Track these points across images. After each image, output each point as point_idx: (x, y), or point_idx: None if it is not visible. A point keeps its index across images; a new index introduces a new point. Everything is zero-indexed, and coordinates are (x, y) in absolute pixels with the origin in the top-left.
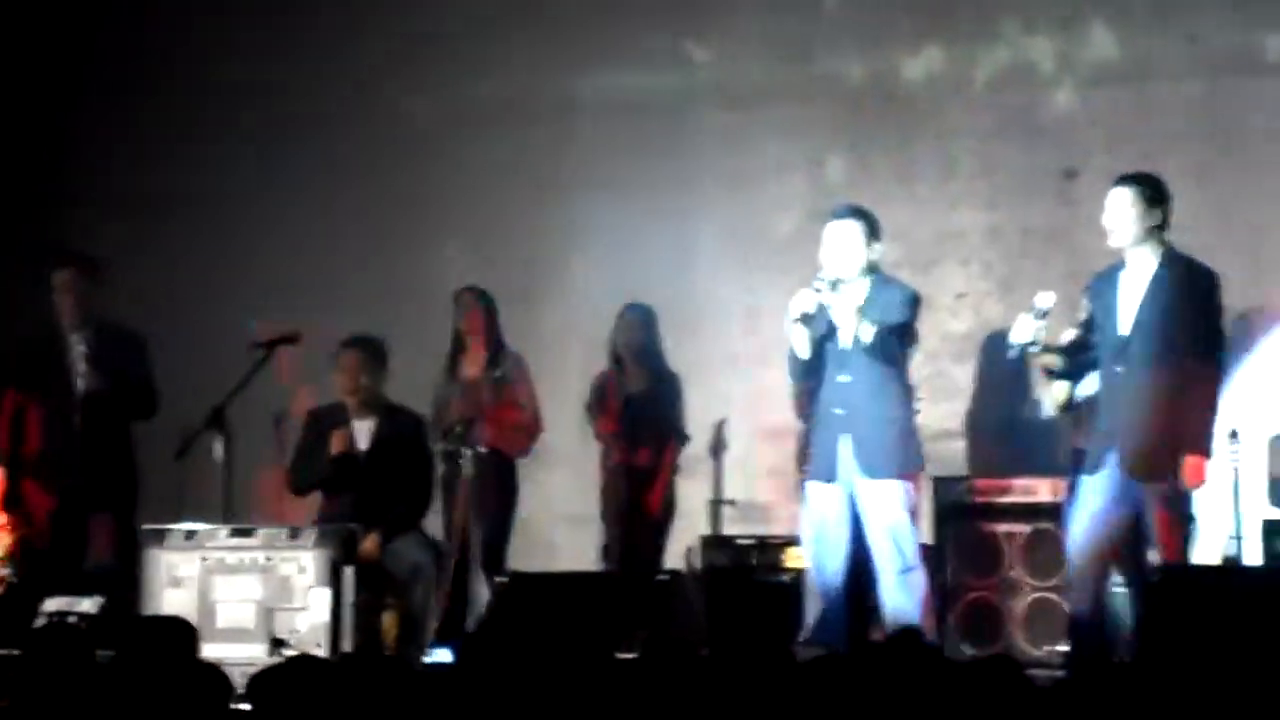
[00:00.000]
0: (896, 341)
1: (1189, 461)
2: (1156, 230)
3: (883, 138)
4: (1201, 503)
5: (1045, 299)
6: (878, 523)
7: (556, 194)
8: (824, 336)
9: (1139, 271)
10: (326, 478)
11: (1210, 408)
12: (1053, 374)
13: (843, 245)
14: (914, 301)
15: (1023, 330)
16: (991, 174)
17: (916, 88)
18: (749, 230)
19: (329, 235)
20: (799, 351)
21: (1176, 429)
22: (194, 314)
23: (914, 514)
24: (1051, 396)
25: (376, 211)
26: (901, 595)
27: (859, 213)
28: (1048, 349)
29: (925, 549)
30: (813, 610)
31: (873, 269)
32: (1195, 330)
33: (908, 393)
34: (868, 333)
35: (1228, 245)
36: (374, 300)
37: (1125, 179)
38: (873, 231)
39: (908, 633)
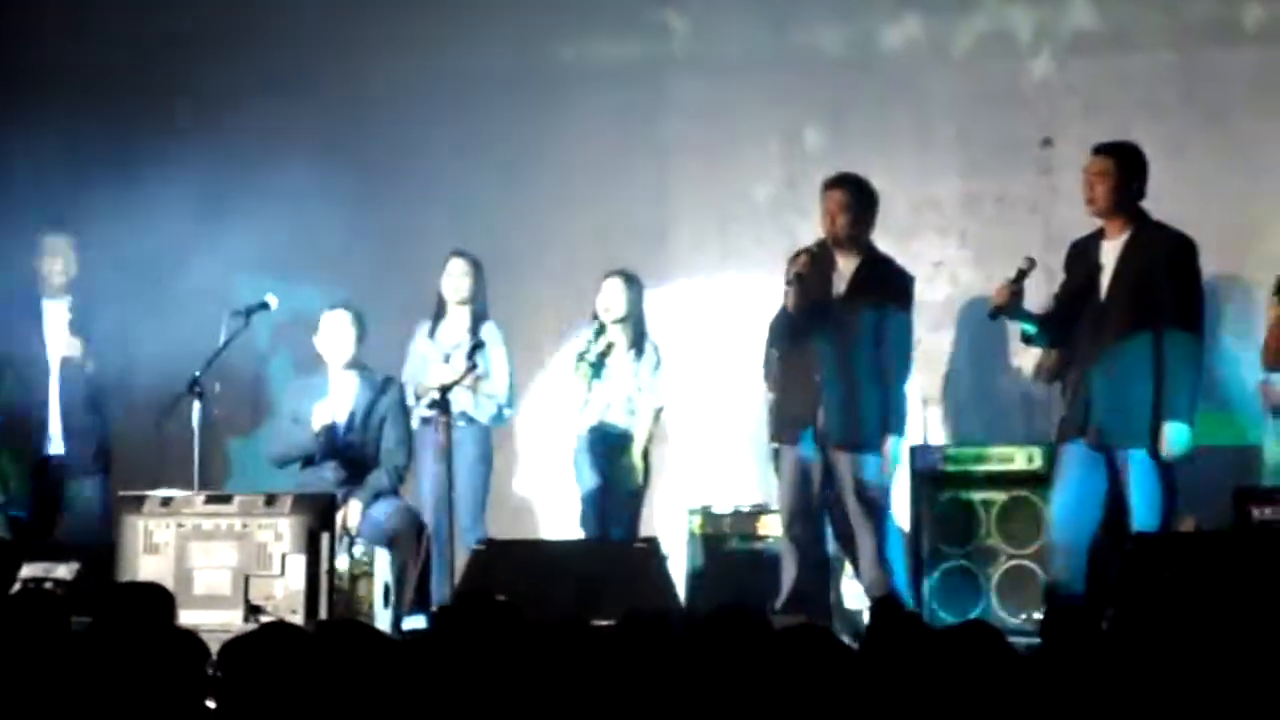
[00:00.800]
0: (891, 325)
1: (1168, 428)
2: (1133, 199)
3: (860, 106)
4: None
5: (1025, 263)
6: (853, 490)
7: (535, 161)
8: (815, 302)
9: (1116, 240)
10: (307, 452)
11: (1190, 375)
12: (1030, 340)
13: (835, 211)
14: (911, 287)
15: (1002, 295)
16: (969, 143)
17: (894, 56)
18: (726, 199)
19: (312, 201)
20: (792, 308)
21: (1155, 396)
22: (173, 279)
23: (890, 481)
24: (1038, 364)
25: (358, 178)
26: (877, 563)
27: (851, 180)
28: (1027, 316)
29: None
30: (788, 578)
31: (865, 236)
32: (1173, 297)
33: (894, 364)
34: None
35: (1205, 214)
36: (356, 267)
37: (1102, 148)
38: (865, 199)
39: (886, 600)
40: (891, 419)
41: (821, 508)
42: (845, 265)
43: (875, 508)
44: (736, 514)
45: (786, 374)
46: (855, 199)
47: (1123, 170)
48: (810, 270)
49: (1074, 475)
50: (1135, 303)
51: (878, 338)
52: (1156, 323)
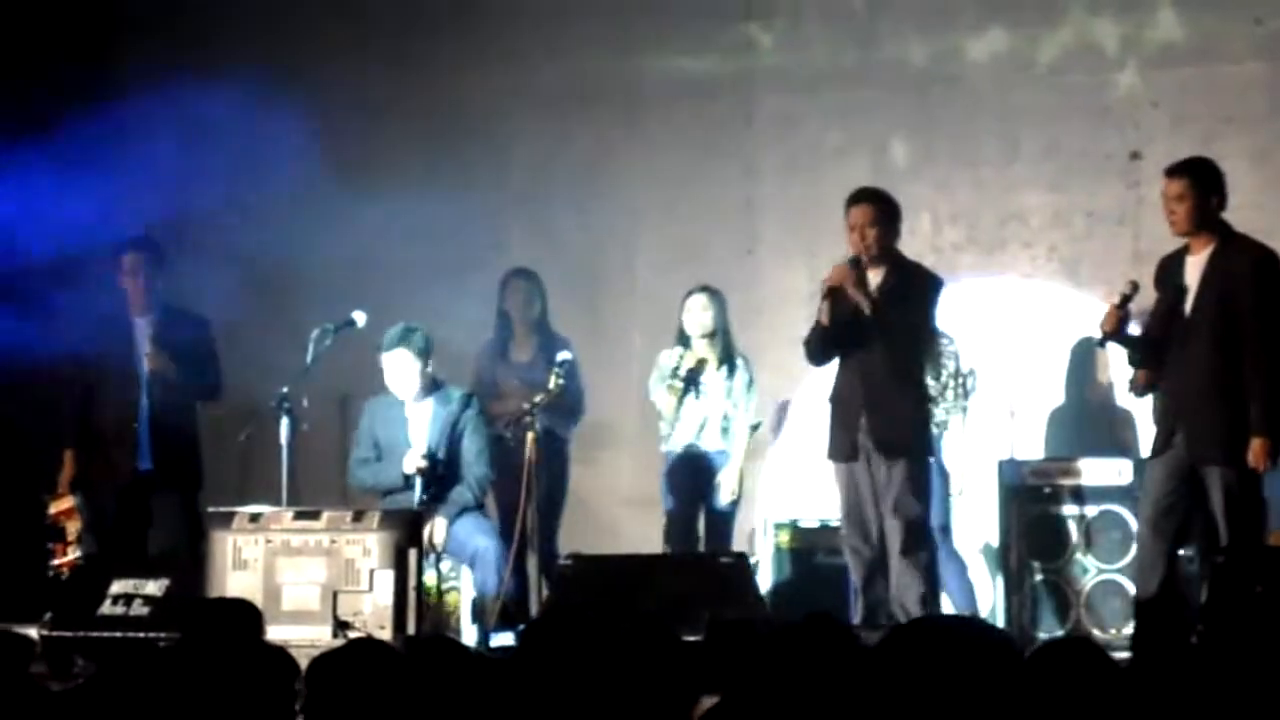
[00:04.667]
0: (918, 330)
1: (1255, 443)
2: (1214, 213)
3: (946, 121)
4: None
5: (1128, 287)
6: (887, 501)
7: (619, 178)
8: (847, 314)
9: (1200, 256)
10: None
11: (1274, 387)
12: (1134, 363)
13: (861, 225)
14: (938, 290)
15: (1110, 322)
16: (1055, 156)
17: (980, 70)
18: (813, 215)
19: (391, 219)
20: (826, 322)
21: (1240, 411)
22: (261, 298)
23: (930, 496)
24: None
25: (438, 195)
26: (906, 576)
27: (876, 195)
28: (1132, 341)
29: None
30: (854, 592)
31: (891, 251)
32: (1257, 310)
33: (923, 380)
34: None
35: None
36: (437, 285)
37: (1175, 169)
38: (890, 212)
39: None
40: (927, 436)
41: (876, 518)
42: (875, 277)
43: (907, 520)
44: (823, 528)
45: (833, 390)
46: (882, 212)
47: (1199, 188)
48: (843, 284)
49: (1160, 489)
50: (1218, 318)
51: (911, 346)
52: (1240, 337)
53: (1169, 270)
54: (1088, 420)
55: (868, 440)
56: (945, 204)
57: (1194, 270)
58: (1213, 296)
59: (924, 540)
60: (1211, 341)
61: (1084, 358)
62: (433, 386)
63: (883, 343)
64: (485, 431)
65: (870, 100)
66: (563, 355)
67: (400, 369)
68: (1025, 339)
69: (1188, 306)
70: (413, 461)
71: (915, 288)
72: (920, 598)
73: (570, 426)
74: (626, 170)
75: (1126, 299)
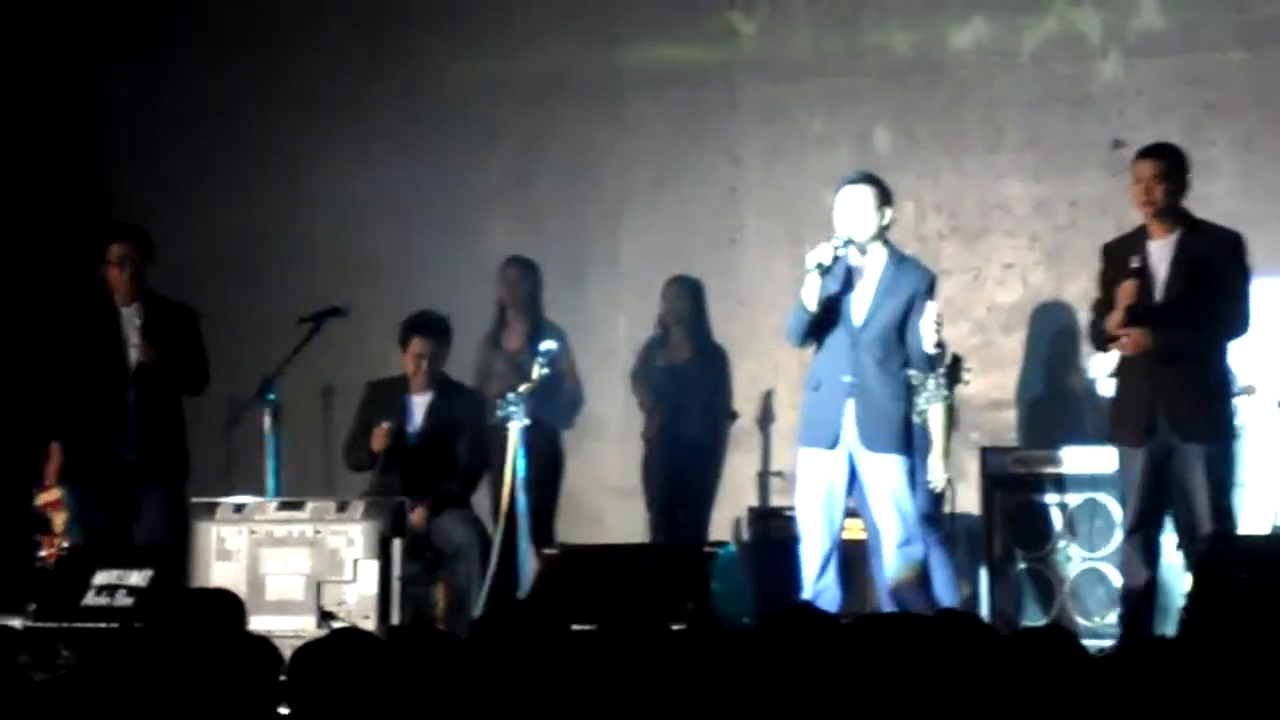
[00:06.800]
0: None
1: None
2: (1181, 198)
3: (929, 109)
4: (1250, 469)
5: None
6: (881, 493)
7: (602, 167)
8: (834, 297)
9: (1165, 240)
10: (377, 458)
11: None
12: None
13: (855, 209)
14: (932, 285)
15: (1132, 293)
16: (1038, 145)
17: (963, 59)
18: (795, 203)
19: (374, 207)
20: (808, 303)
21: (1216, 391)
22: (242, 287)
23: (913, 487)
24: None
25: (421, 184)
26: (902, 566)
27: (870, 178)
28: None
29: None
30: (808, 581)
31: (883, 235)
32: (1239, 291)
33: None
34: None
35: (1274, 213)
36: (419, 273)
37: (1154, 150)
38: (884, 197)
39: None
40: (912, 432)
41: (843, 509)
42: (871, 261)
43: (901, 511)
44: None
45: (814, 376)
46: (882, 198)
47: (1177, 170)
48: (834, 261)
49: (1142, 475)
50: (1191, 300)
51: (902, 337)
52: (1211, 318)
53: (1128, 251)
54: (1070, 407)
55: (854, 429)
56: (928, 192)
57: (1161, 254)
58: (1187, 279)
59: (918, 532)
60: (1184, 324)
61: (1066, 345)
62: (440, 380)
63: (873, 335)
64: (482, 430)
65: (854, 89)
66: (545, 345)
67: (417, 354)
68: (1008, 327)
69: (1158, 290)
70: (380, 438)
71: (912, 290)
72: (918, 590)
73: (567, 418)
74: (610, 159)
75: (1141, 270)
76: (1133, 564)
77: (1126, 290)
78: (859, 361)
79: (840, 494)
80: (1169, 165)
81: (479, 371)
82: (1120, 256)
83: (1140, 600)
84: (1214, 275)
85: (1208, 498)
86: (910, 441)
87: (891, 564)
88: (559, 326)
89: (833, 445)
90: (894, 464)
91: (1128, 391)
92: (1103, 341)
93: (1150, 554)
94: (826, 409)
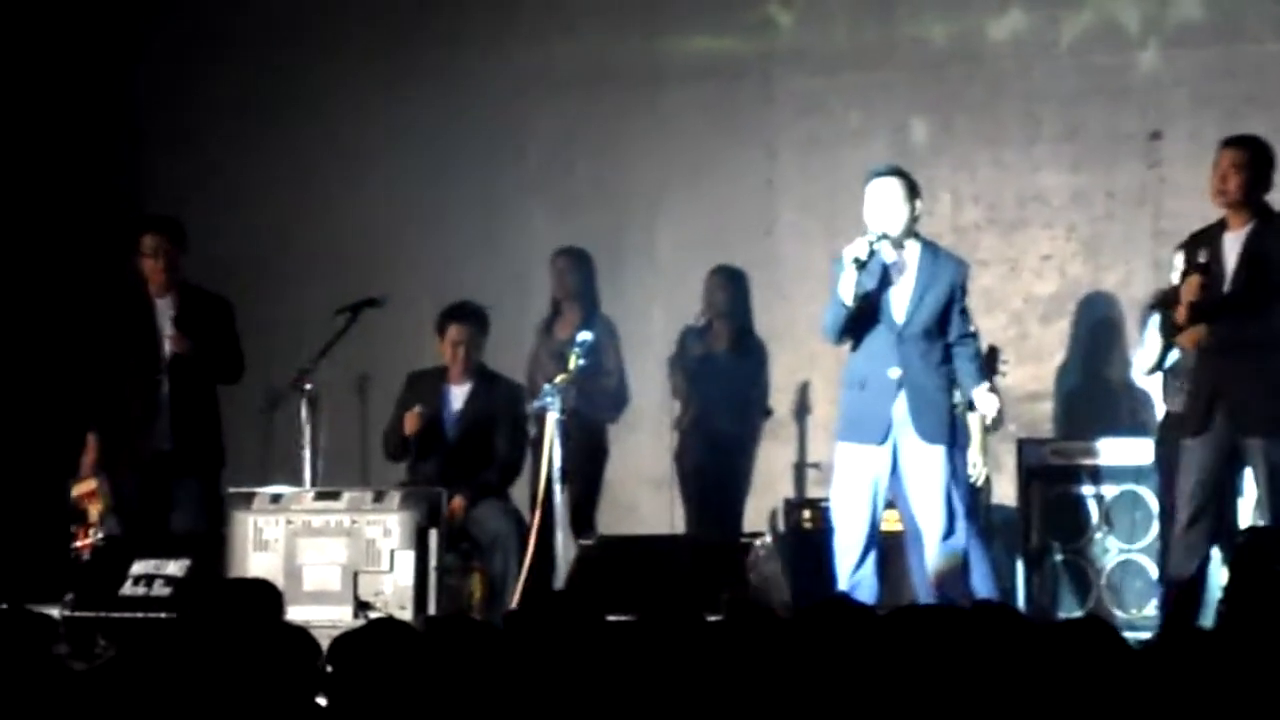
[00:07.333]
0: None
1: None
2: (1262, 192)
3: (966, 101)
4: None
5: (1204, 255)
6: (927, 485)
7: (639, 158)
8: (871, 293)
9: (1239, 232)
10: (414, 447)
11: None
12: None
13: (885, 202)
14: (968, 277)
15: (1196, 290)
16: (1076, 136)
17: (1001, 50)
18: (832, 195)
19: (411, 198)
20: (845, 298)
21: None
22: (278, 278)
23: (964, 480)
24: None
25: (458, 175)
26: (944, 559)
27: (897, 171)
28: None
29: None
30: (844, 574)
31: (913, 228)
32: None
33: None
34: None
35: None
36: (456, 264)
37: (1238, 140)
38: (913, 190)
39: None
40: (957, 426)
41: (882, 504)
42: (907, 255)
43: (947, 505)
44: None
45: (855, 372)
46: (910, 190)
47: (1258, 163)
48: (870, 255)
49: (1201, 469)
50: (1259, 294)
51: (943, 330)
52: (1275, 312)
53: (1204, 246)
54: (1108, 399)
55: (907, 422)
56: (966, 184)
57: (1233, 245)
58: (1255, 272)
59: (962, 525)
60: (1251, 317)
61: (1105, 337)
62: (480, 371)
63: (917, 331)
64: (521, 422)
65: (891, 80)
66: (582, 335)
67: (454, 341)
68: (1046, 318)
69: (1226, 282)
70: (411, 421)
71: (950, 282)
72: (960, 583)
73: (611, 412)
74: (647, 150)
75: (1206, 266)
76: (1186, 557)
77: (1190, 285)
78: (906, 356)
79: (884, 488)
80: (1249, 156)
81: (529, 360)
82: (1194, 250)
83: (1187, 593)
84: (1277, 268)
85: (1267, 492)
86: (955, 434)
87: (934, 557)
88: (610, 319)
89: (883, 440)
90: (940, 455)
91: (1189, 384)
92: (1171, 335)
93: (1205, 548)
94: (875, 405)
